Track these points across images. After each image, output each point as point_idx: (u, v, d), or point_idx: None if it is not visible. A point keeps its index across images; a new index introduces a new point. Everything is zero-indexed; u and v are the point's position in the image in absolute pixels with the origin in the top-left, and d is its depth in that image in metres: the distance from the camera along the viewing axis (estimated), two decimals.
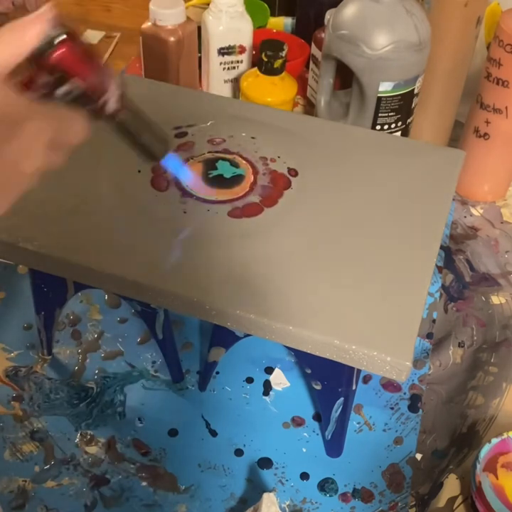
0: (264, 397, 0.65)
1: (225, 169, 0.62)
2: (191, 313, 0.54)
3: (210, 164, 0.63)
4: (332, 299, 0.52)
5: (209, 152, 0.64)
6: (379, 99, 0.75)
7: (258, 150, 0.65)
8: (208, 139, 0.66)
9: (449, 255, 0.79)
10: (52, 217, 0.57)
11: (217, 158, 0.63)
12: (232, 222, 0.57)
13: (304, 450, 0.61)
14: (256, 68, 0.83)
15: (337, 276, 0.54)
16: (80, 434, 0.62)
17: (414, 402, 0.65)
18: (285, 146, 0.65)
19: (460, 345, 0.70)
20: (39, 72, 0.38)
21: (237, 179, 0.61)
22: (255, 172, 0.62)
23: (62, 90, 0.39)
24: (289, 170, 0.63)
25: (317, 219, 0.58)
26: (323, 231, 0.57)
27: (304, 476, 0.60)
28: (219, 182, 0.61)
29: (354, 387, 0.58)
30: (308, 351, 0.51)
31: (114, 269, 0.53)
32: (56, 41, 0.38)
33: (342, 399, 0.57)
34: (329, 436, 0.60)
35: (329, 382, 0.56)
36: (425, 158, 0.65)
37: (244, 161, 0.63)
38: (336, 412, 0.58)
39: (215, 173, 0.62)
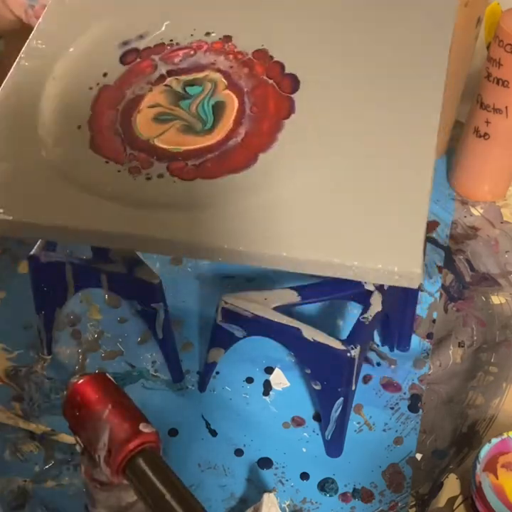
0: (264, 397, 0.65)
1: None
2: (181, 253, 0.49)
3: (175, 96, 0.50)
4: (328, 216, 0.49)
5: (169, 72, 0.50)
6: None
7: (236, 49, 0.51)
8: (164, 54, 0.51)
9: (449, 255, 0.79)
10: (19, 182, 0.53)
11: (184, 86, 0.51)
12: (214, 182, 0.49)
13: (304, 450, 0.61)
14: None
15: (333, 191, 0.49)
16: None
17: (414, 402, 0.65)
18: (268, 34, 0.53)
19: (460, 345, 0.70)
20: None
21: (216, 111, 0.50)
22: (240, 95, 0.50)
23: None
24: (283, 77, 0.50)
25: (323, 138, 0.51)
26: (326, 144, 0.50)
27: (304, 476, 0.60)
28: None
29: (354, 387, 0.58)
30: (310, 272, 0.48)
31: (93, 224, 0.50)
32: None
33: (342, 399, 0.56)
34: (329, 436, 0.60)
35: (329, 382, 0.56)
36: (416, 9, 0.59)
37: (223, 78, 0.50)
38: (335, 412, 0.57)
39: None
